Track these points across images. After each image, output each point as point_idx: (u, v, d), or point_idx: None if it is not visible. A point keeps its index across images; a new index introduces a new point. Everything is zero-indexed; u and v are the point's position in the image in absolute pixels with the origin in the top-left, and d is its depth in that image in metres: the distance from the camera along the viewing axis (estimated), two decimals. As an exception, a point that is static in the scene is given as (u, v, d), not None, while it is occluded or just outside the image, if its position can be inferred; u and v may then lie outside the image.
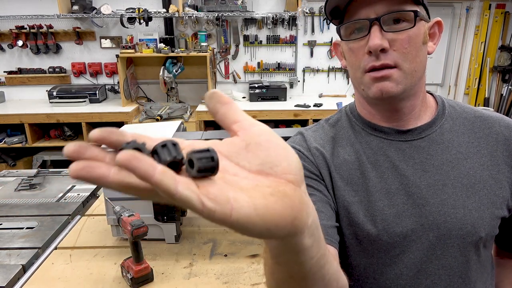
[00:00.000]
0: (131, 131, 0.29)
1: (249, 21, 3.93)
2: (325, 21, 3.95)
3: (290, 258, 0.37)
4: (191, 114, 3.61)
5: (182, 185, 0.25)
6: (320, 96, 4.12)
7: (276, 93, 3.83)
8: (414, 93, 0.73)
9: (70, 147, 0.26)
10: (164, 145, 0.28)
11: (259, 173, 0.32)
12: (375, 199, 0.73)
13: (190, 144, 0.32)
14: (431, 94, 0.81)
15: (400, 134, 0.75)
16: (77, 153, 0.26)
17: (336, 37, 0.77)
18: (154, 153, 0.28)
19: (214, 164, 0.28)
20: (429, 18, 0.72)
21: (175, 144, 0.28)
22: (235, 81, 4.13)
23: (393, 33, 0.66)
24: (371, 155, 0.76)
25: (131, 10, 3.67)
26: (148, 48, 3.60)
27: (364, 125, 0.79)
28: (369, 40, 0.66)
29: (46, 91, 3.74)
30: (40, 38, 3.79)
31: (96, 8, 3.69)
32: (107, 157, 0.27)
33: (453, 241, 0.70)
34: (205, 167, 0.28)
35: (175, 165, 0.28)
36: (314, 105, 3.63)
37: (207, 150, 0.28)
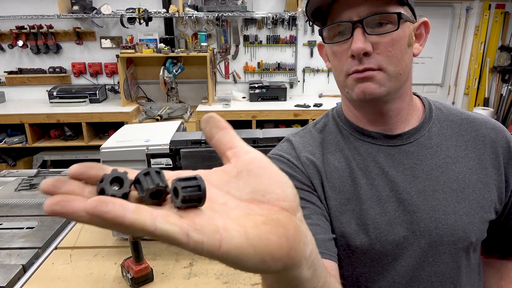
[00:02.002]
0: (110, 166, 0.27)
1: (249, 21, 3.93)
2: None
3: None
4: (191, 114, 3.61)
5: (160, 219, 0.23)
6: (320, 96, 4.12)
7: (276, 93, 3.83)
8: (400, 95, 0.71)
9: (46, 182, 0.24)
10: (146, 173, 0.26)
11: (251, 201, 0.30)
12: (367, 207, 0.70)
13: (176, 174, 0.30)
14: (418, 96, 0.80)
15: (388, 139, 0.74)
16: (54, 188, 0.24)
17: None
18: (136, 182, 0.26)
19: (201, 194, 0.26)
20: (415, 18, 0.70)
21: (158, 172, 0.26)
22: (235, 81, 4.13)
23: (376, 36, 0.64)
24: (360, 161, 0.73)
25: (131, 10, 3.67)
26: (148, 48, 3.60)
27: (352, 130, 0.77)
28: (351, 44, 0.64)
29: (46, 91, 3.74)
30: (40, 38, 3.79)
31: (96, 8, 3.70)
32: (85, 190, 0.25)
33: (444, 247, 0.69)
34: (190, 196, 0.25)
35: (159, 194, 0.26)
36: (314, 105, 3.63)
37: (194, 178, 0.26)
